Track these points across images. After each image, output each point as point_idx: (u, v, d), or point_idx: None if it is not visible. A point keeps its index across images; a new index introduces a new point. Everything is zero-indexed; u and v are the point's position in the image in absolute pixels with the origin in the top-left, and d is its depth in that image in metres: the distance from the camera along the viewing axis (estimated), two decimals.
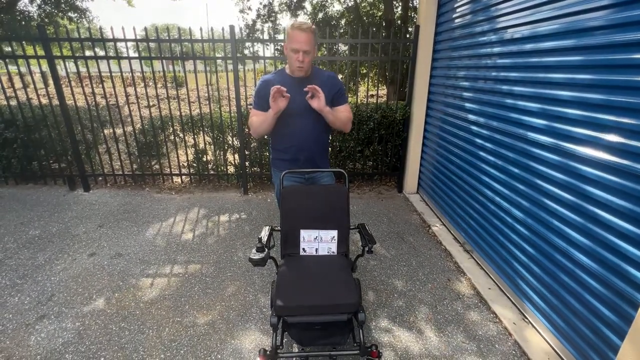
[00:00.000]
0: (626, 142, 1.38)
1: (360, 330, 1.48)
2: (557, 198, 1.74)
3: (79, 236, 2.95)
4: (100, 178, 4.13)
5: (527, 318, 1.99)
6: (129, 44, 3.48)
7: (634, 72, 1.36)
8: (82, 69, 3.84)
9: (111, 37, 3.43)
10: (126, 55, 3.50)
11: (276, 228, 1.82)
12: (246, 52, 4.85)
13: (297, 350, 1.76)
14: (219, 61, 3.81)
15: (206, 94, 3.86)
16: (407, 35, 3.56)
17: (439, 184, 3.30)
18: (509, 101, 2.15)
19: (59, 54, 3.48)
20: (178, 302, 2.16)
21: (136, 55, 3.66)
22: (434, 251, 2.78)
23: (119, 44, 3.59)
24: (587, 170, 1.56)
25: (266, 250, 1.46)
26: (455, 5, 2.89)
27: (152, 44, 3.85)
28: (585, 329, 1.59)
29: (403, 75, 5.56)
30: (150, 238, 2.95)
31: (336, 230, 1.82)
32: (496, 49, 2.29)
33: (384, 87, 8.45)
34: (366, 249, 1.64)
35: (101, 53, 3.66)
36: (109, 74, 3.71)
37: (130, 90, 9.15)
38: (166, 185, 4.17)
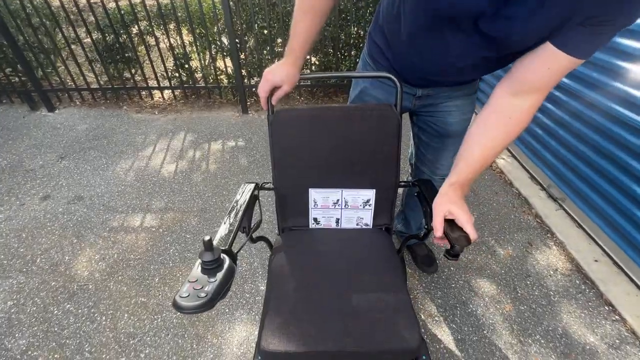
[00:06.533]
0: None
1: None
2: None
3: (34, 172, 2.31)
4: (64, 94, 3.31)
5: None
6: None
7: None
8: None
9: None
10: None
11: (267, 185, 1.03)
12: None
13: None
14: None
15: None
16: None
17: None
18: None
19: None
20: (145, 272, 1.57)
21: None
22: (503, 197, 1.97)
23: None
24: None
25: (226, 248, 0.67)
26: None
27: None
28: None
29: None
30: (121, 174, 2.27)
31: (373, 190, 1.02)
32: None
33: None
34: (444, 249, 0.82)
35: None
36: None
37: None
38: (148, 103, 3.33)
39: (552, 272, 1.50)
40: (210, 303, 0.53)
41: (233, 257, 0.68)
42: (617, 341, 1.23)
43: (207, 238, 0.59)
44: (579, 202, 1.70)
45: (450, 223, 0.71)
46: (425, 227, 0.88)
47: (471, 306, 1.37)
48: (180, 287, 0.57)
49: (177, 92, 3.30)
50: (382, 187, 1.01)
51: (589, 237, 1.62)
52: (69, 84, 3.17)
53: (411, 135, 1.25)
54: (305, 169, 0.99)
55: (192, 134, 2.77)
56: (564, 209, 1.79)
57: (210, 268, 0.60)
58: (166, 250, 1.68)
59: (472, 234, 0.68)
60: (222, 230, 0.75)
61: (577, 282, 1.45)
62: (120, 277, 1.55)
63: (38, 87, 3.03)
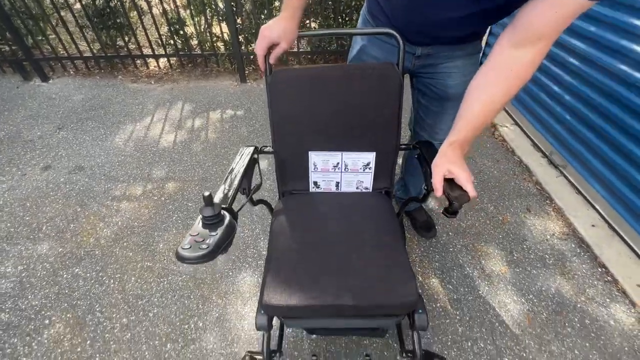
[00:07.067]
0: None
1: (416, 334, 0.85)
2: None
3: (33, 142, 2.30)
4: (56, 63, 3.21)
5: None
6: None
7: None
8: None
9: None
10: None
11: (266, 148, 1.02)
12: None
13: (303, 345, 1.19)
14: None
15: None
16: None
17: None
18: None
19: None
20: (149, 238, 1.61)
21: None
22: (504, 164, 1.96)
23: None
24: None
25: (226, 206, 0.68)
26: None
27: None
28: None
29: None
30: (120, 145, 2.26)
31: (374, 153, 1.01)
32: None
33: None
34: (443, 207, 0.85)
35: None
36: None
37: None
38: (144, 73, 3.24)
39: (548, 237, 1.52)
40: (211, 254, 0.55)
41: (234, 215, 0.68)
42: (607, 300, 1.27)
43: (206, 193, 0.59)
44: (580, 168, 1.69)
45: (450, 182, 0.71)
46: (425, 188, 0.88)
47: (468, 269, 1.40)
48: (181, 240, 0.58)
49: (172, 60, 3.20)
50: (382, 150, 1.00)
51: (588, 203, 1.63)
52: (61, 52, 3.07)
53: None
54: (305, 131, 0.98)
55: (190, 103, 2.72)
56: (565, 176, 1.79)
57: (211, 223, 0.60)
58: (169, 217, 1.71)
59: (472, 192, 0.68)
60: (222, 189, 0.76)
61: (573, 245, 1.48)
62: (125, 243, 1.58)
63: (29, 56, 2.95)
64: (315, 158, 1.03)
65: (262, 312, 0.81)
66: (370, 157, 1.02)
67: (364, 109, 0.94)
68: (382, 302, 0.76)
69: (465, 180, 0.69)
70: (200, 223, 0.61)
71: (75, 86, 3.01)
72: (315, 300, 0.76)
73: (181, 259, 0.54)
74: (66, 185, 1.93)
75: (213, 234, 0.58)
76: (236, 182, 0.77)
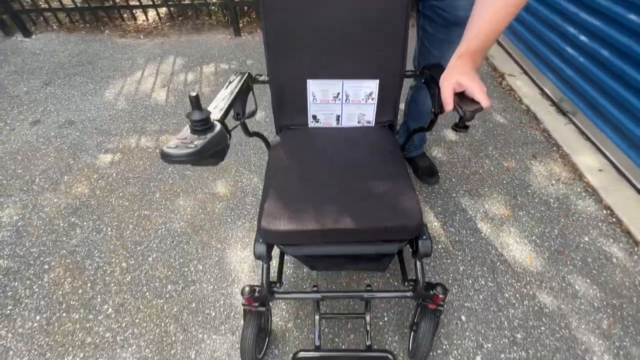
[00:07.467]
0: None
1: (419, 263, 0.83)
2: None
3: (19, 98, 2.21)
4: (38, 16, 3.01)
5: None
6: None
7: None
8: None
9: None
10: None
11: (260, 77, 0.95)
12: None
13: (304, 285, 1.18)
14: None
15: None
16: None
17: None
18: None
19: None
20: (146, 188, 1.57)
21: None
22: (510, 113, 1.89)
23: None
24: None
25: (219, 120, 0.62)
26: None
27: None
28: None
29: None
30: (111, 99, 2.17)
31: (377, 81, 0.94)
32: None
33: None
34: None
35: None
36: None
37: None
38: (132, 27, 3.06)
39: (554, 182, 1.49)
40: (199, 154, 0.50)
41: (226, 129, 0.63)
42: (611, 240, 1.26)
43: (193, 94, 0.54)
44: (590, 113, 1.62)
45: (460, 96, 0.66)
46: (433, 110, 0.82)
47: (470, 212, 1.38)
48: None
49: (162, 14, 3.01)
50: (386, 77, 0.93)
51: (596, 149, 1.58)
52: (42, 5, 2.88)
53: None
54: (303, 53, 0.90)
55: (182, 57, 2.58)
56: (574, 123, 1.72)
57: (200, 129, 0.55)
58: (164, 168, 1.66)
59: (485, 101, 0.63)
60: (213, 105, 0.69)
61: (579, 190, 1.45)
62: (121, 194, 1.55)
63: (8, 8, 2.76)
64: (314, 87, 0.96)
65: (261, 240, 0.78)
66: (373, 85, 0.95)
67: (367, 24, 0.85)
68: (385, 225, 0.72)
69: (477, 91, 0.63)
70: (189, 130, 0.56)
71: (60, 41, 2.85)
72: (314, 225, 0.73)
73: (166, 156, 0.49)
74: (57, 139, 1.87)
75: (202, 137, 0.53)
76: (229, 100, 0.71)
